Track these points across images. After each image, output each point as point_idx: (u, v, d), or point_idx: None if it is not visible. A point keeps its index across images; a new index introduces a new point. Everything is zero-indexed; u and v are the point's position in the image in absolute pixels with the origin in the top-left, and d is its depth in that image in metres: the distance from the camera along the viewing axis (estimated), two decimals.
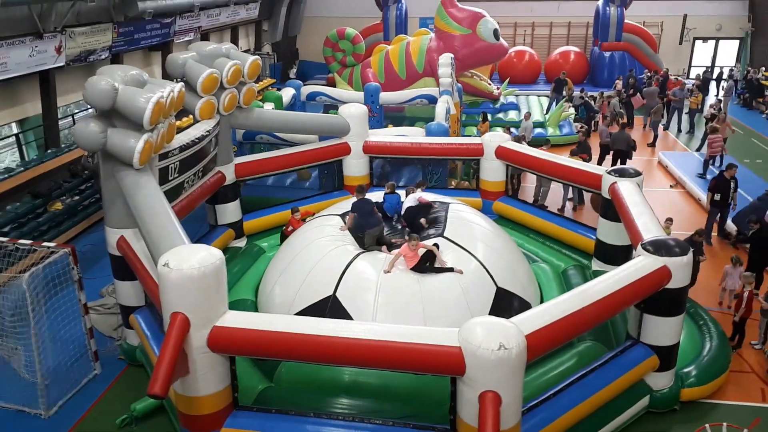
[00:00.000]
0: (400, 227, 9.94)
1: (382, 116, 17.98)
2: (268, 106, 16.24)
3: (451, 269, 8.25)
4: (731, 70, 28.48)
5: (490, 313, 7.82)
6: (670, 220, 10.68)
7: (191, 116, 10.96)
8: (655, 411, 7.70)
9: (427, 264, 8.21)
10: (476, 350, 5.72)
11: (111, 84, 7.52)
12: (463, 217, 9.79)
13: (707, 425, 5.93)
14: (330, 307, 8.00)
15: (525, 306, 8.39)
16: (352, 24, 25.64)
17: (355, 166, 12.80)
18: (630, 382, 7.41)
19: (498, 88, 23.32)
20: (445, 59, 17.67)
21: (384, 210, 10.09)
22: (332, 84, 23.37)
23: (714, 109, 19.93)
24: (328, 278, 8.28)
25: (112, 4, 16.33)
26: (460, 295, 8.10)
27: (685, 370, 8.00)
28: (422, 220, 9.53)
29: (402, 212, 9.94)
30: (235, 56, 10.85)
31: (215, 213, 11.40)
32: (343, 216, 9.63)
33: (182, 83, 9.10)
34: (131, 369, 8.76)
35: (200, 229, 11.45)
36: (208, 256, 6.35)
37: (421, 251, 8.19)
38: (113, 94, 7.52)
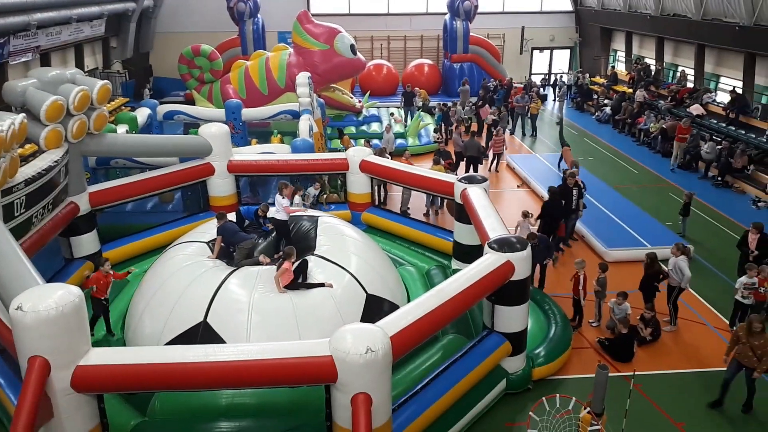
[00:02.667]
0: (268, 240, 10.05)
1: (245, 133, 17.93)
2: (122, 129, 15.62)
3: (322, 284, 8.53)
4: (560, 76, 31.69)
5: (361, 320, 8.21)
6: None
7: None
8: (512, 392, 8.57)
9: (299, 280, 8.44)
10: (346, 356, 6.09)
11: None
12: (332, 230, 10.17)
13: (544, 398, 6.76)
14: (201, 334, 7.95)
15: (394, 308, 8.80)
16: (208, 39, 25.23)
17: (221, 186, 12.74)
18: (488, 368, 8.19)
19: (360, 101, 24.05)
20: (302, 79, 17.92)
21: (242, 215, 10.21)
22: (190, 100, 22.81)
23: (494, 116, 21.86)
24: (198, 304, 8.22)
25: None
26: (332, 305, 8.41)
27: (535, 351, 8.97)
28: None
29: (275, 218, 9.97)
30: (81, 81, 10.41)
31: (70, 246, 10.82)
32: (209, 243, 9.59)
33: (23, 113, 8.60)
34: None
35: (55, 264, 10.78)
36: (66, 294, 6.13)
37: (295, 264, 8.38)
38: None
